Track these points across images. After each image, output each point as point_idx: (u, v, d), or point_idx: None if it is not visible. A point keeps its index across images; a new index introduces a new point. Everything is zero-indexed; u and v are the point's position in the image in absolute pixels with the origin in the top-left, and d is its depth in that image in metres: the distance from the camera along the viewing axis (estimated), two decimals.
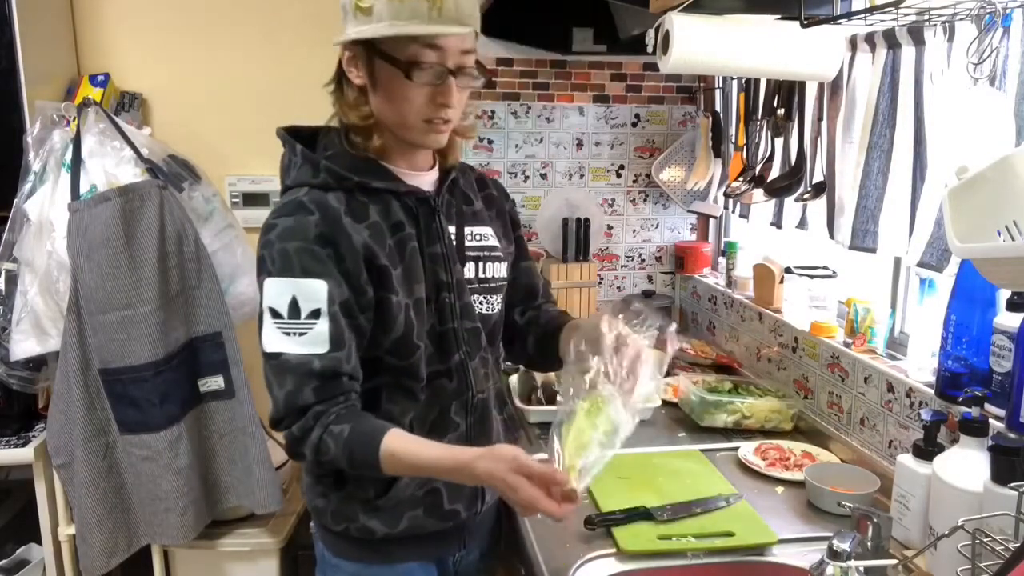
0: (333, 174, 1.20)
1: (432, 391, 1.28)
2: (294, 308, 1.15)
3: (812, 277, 1.95)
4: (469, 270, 1.31)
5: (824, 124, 1.79)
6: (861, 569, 1.10)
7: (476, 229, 1.34)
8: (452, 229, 1.30)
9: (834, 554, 1.07)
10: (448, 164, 1.32)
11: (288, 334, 1.15)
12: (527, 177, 2.65)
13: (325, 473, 1.28)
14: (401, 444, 1.14)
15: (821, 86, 1.79)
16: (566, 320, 1.41)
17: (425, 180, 1.28)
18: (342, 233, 1.17)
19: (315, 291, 1.15)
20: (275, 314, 1.15)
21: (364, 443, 1.14)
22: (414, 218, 1.25)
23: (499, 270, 1.36)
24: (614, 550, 1.37)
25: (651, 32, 1.66)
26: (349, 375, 1.18)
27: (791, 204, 1.98)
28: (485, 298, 1.33)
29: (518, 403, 1.90)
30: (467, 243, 1.32)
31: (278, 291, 1.15)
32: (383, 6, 1.11)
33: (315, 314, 1.14)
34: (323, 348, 1.15)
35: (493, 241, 1.36)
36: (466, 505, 1.32)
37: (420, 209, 1.25)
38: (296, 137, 1.27)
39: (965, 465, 1.22)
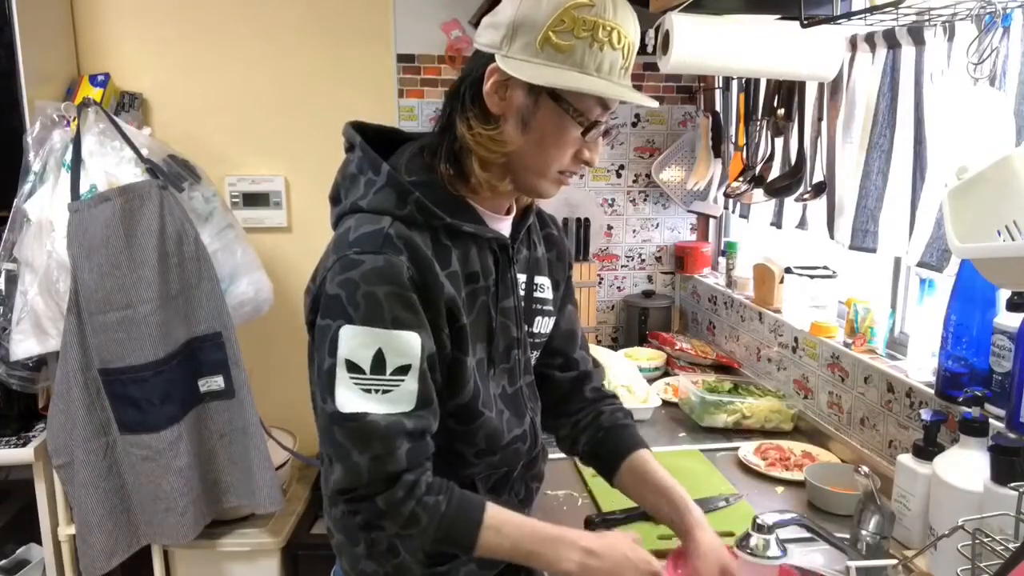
0: (423, 210, 1.03)
1: (506, 455, 1.16)
2: (378, 362, 0.99)
3: (812, 277, 1.95)
4: (531, 325, 1.21)
5: (824, 124, 1.79)
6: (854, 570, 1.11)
7: (539, 279, 1.22)
8: (522, 279, 1.18)
9: (758, 527, 1.11)
10: (524, 205, 1.18)
11: (368, 391, 0.99)
12: None
13: (376, 539, 1.14)
14: (505, 518, 1.06)
15: (821, 86, 1.79)
16: (635, 441, 1.27)
17: (504, 225, 1.14)
18: (434, 280, 1.02)
19: (407, 345, 0.99)
20: (353, 368, 0.99)
21: (464, 517, 1.04)
22: (490, 268, 1.11)
23: (548, 326, 1.26)
24: None
25: (651, 32, 1.66)
26: (432, 436, 1.05)
27: (791, 204, 1.98)
28: (535, 354, 1.24)
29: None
30: (534, 294, 1.21)
31: (361, 342, 0.99)
32: (585, 52, 1.00)
33: (403, 370, 1.00)
34: (408, 407, 1.01)
35: (549, 293, 1.24)
36: None
37: (500, 259, 1.12)
38: (363, 137, 1.10)
39: (965, 465, 1.22)
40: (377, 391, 0.99)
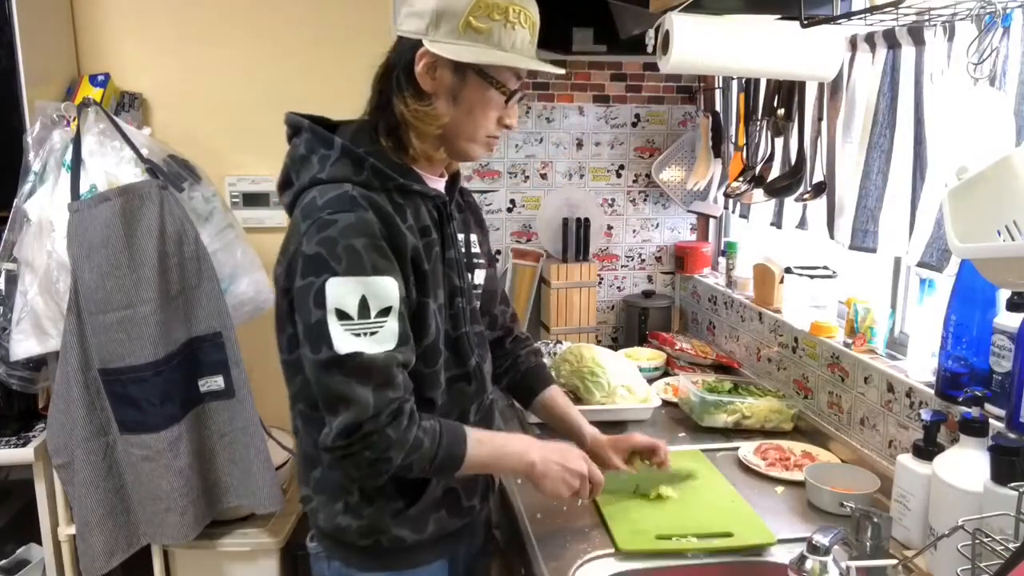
0: (378, 173, 1.17)
1: (451, 396, 1.28)
2: (364, 307, 1.10)
3: (812, 277, 1.95)
4: (471, 276, 1.36)
5: (824, 124, 1.79)
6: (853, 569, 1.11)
7: (472, 236, 1.39)
8: (461, 237, 1.33)
9: (814, 548, 1.07)
10: (452, 171, 1.34)
11: (359, 335, 1.10)
12: (527, 177, 2.65)
13: (349, 491, 1.24)
14: (479, 430, 1.23)
15: (821, 86, 1.79)
16: (544, 379, 1.57)
17: (439, 186, 1.29)
18: (399, 232, 1.15)
19: (386, 289, 1.11)
20: (342, 315, 1.09)
21: (454, 434, 1.18)
22: (436, 223, 1.24)
23: (482, 277, 1.42)
24: (613, 550, 1.37)
25: (651, 32, 1.66)
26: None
27: (791, 204, 1.98)
28: (476, 304, 1.38)
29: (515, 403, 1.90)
30: (472, 249, 1.37)
31: (345, 291, 1.09)
32: (501, 33, 1.15)
33: (385, 312, 1.11)
34: (392, 344, 1.12)
35: (478, 248, 1.41)
36: (480, 500, 1.36)
37: (442, 214, 1.26)
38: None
39: (965, 465, 1.22)
40: (365, 333, 1.10)
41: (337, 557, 1.32)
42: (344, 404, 1.09)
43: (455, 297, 1.28)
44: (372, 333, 1.10)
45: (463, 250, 1.33)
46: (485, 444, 1.23)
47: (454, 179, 1.34)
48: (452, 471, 1.20)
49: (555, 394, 1.57)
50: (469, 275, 1.34)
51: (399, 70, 1.19)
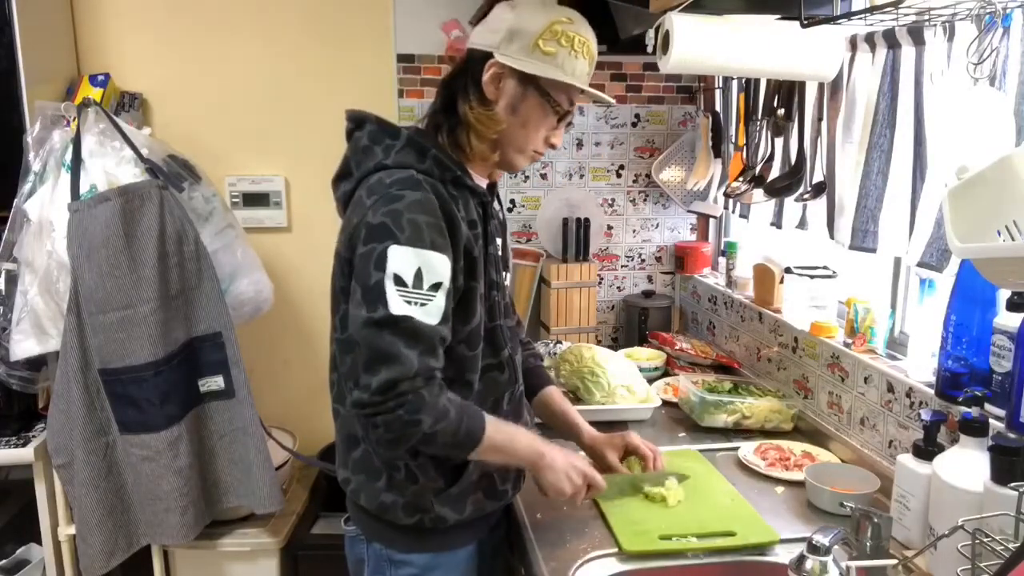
0: (439, 163, 1.26)
1: (485, 384, 1.36)
2: (418, 278, 1.17)
3: (812, 277, 1.95)
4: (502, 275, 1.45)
5: (824, 124, 1.79)
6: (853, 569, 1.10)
7: (498, 240, 1.46)
8: (497, 238, 1.43)
9: (814, 548, 1.07)
10: (493, 179, 1.43)
11: (410, 303, 1.16)
12: (527, 177, 2.65)
13: (396, 467, 1.30)
14: (494, 418, 1.27)
15: (821, 86, 1.79)
16: (543, 379, 1.64)
17: (484, 186, 1.38)
18: (453, 219, 1.23)
19: (440, 265, 1.19)
20: (399, 281, 1.16)
21: (472, 412, 1.24)
22: (481, 218, 1.33)
23: (508, 279, 1.53)
24: (614, 550, 1.37)
25: (651, 32, 1.66)
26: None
27: (791, 204, 1.98)
28: (509, 303, 1.49)
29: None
30: (499, 253, 1.45)
31: (405, 260, 1.17)
32: (565, 58, 1.26)
33: (436, 287, 1.18)
34: (437, 320, 1.19)
35: (502, 253, 1.49)
36: (513, 486, 1.43)
37: (486, 211, 1.36)
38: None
39: (965, 465, 1.22)
40: (416, 303, 1.17)
41: (377, 539, 1.36)
42: (388, 361, 1.15)
43: (492, 290, 1.36)
44: (422, 304, 1.17)
45: (499, 249, 1.42)
46: (500, 430, 1.28)
47: (492, 187, 1.43)
48: (470, 448, 1.24)
49: (553, 394, 1.62)
50: (504, 272, 1.45)
51: (467, 77, 1.29)
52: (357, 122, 1.33)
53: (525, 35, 1.25)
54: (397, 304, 1.16)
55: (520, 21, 1.26)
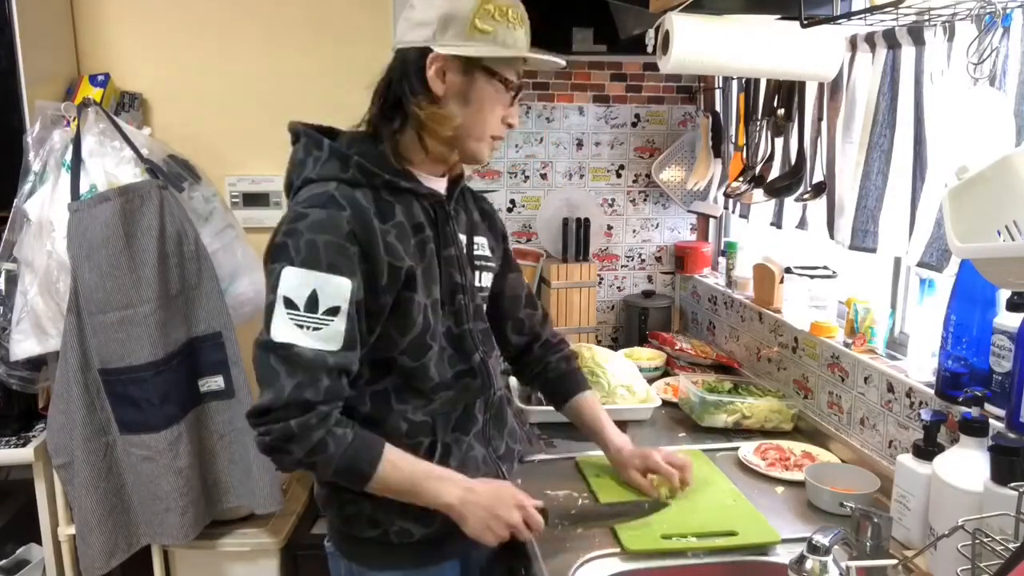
0: (363, 170, 1.22)
1: (457, 390, 1.32)
2: (312, 302, 1.14)
3: (812, 277, 1.95)
4: (476, 277, 1.38)
5: (824, 124, 1.79)
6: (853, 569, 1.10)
7: (477, 238, 1.42)
8: (462, 236, 1.36)
9: (814, 548, 1.07)
10: (455, 174, 1.37)
11: (300, 327, 1.14)
12: (527, 177, 2.65)
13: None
14: (400, 455, 1.22)
15: (821, 86, 1.79)
16: (575, 384, 1.61)
17: (439, 185, 1.33)
18: (372, 233, 1.18)
19: (338, 288, 1.15)
20: (289, 304, 1.14)
21: (366, 449, 1.19)
22: (432, 221, 1.29)
23: (489, 280, 1.45)
24: (614, 550, 1.37)
25: (651, 32, 1.66)
26: (349, 378, 1.20)
27: (791, 204, 1.98)
28: (485, 305, 1.42)
29: (518, 403, 1.90)
30: (475, 251, 1.39)
31: (298, 282, 1.14)
32: (503, 32, 1.21)
33: (333, 311, 1.15)
34: (335, 346, 1.15)
35: (487, 251, 1.44)
36: None
37: (438, 212, 1.30)
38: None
39: (965, 465, 1.22)
40: (309, 327, 1.14)
41: (346, 554, 1.35)
42: (267, 386, 1.15)
43: (456, 294, 1.31)
44: (315, 328, 1.14)
45: (463, 250, 1.35)
46: (401, 470, 1.21)
47: (456, 181, 1.37)
48: (358, 485, 1.20)
49: (584, 401, 1.59)
50: (474, 274, 1.37)
51: (410, 78, 1.23)
52: (295, 135, 1.30)
53: (458, 20, 1.20)
54: (280, 329, 1.14)
55: (450, 6, 1.20)
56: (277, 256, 1.16)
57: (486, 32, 1.20)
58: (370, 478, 1.19)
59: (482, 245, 1.43)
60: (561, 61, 1.30)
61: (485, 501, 1.25)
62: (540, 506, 1.31)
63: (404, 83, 1.24)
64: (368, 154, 1.24)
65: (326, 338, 1.15)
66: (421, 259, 1.25)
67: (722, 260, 2.51)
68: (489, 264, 1.44)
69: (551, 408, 1.88)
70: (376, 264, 1.18)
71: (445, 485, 1.24)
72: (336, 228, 1.16)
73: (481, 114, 1.25)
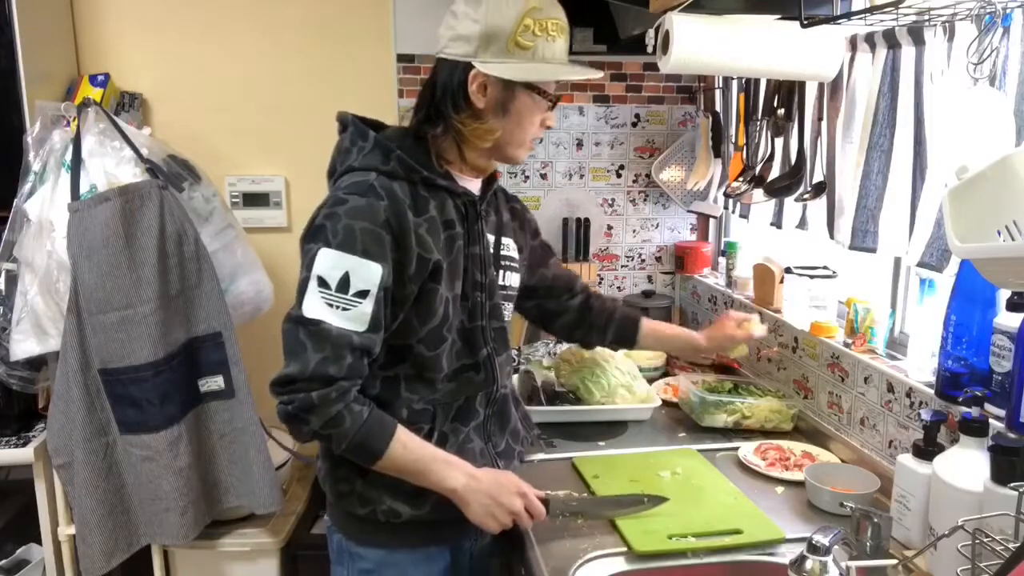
0: (404, 164, 1.27)
1: (460, 383, 1.36)
2: (344, 283, 1.19)
3: (812, 277, 1.95)
4: (499, 276, 1.43)
5: (824, 124, 1.79)
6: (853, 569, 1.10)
7: (505, 239, 1.46)
8: (491, 237, 1.41)
9: (814, 548, 1.07)
10: (490, 175, 1.42)
11: (331, 306, 1.19)
12: (527, 177, 2.65)
13: (348, 460, 1.30)
14: (410, 436, 1.27)
15: (821, 86, 1.79)
16: (633, 317, 1.76)
17: (473, 185, 1.38)
18: (406, 224, 1.23)
19: (370, 273, 1.20)
20: (323, 283, 1.19)
21: (380, 427, 1.24)
22: (463, 218, 1.33)
23: (516, 280, 1.49)
24: (615, 549, 1.37)
25: (651, 32, 1.66)
26: (371, 358, 1.25)
27: (791, 204, 1.98)
28: (506, 304, 1.45)
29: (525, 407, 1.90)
30: (501, 251, 1.44)
31: (332, 263, 1.19)
32: (543, 46, 1.25)
33: (363, 294, 1.20)
34: (361, 327, 1.21)
35: (515, 253, 1.49)
36: None
37: (469, 211, 1.35)
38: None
39: (965, 465, 1.22)
40: (337, 307, 1.20)
41: (338, 528, 1.41)
42: (293, 357, 1.20)
43: (474, 291, 1.35)
44: (344, 308, 1.20)
45: (491, 250, 1.40)
46: (411, 452, 1.26)
47: (489, 181, 1.42)
48: (367, 462, 1.26)
49: (650, 325, 1.76)
50: (497, 273, 1.41)
51: (454, 92, 1.27)
52: (343, 124, 1.34)
53: (500, 35, 1.24)
54: (312, 306, 1.19)
55: (491, 20, 1.23)
56: (315, 236, 1.21)
57: (527, 48, 1.25)
58: (380, 456, 1.23)
59: (508, 246, 1.47)
60: (599, 72, 1.35)
61: (488, 488, 1.29)
62: (542, 496, 1.35)
63: (447, 96, 1.28)
64: (410, 150, 1.28)
65: (353, 319, 1.20)
66: (449, 254, 1.30)
67: (722, 260, 2.51)
68: (514, 265, 1.49)
69: (551, 408, 1.89)
70: (407, 254, 1.23)
71: (451, 470, 1.28)
72: (373, 216, 1.21)
73: (520, 125, 1.31)
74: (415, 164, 1.27)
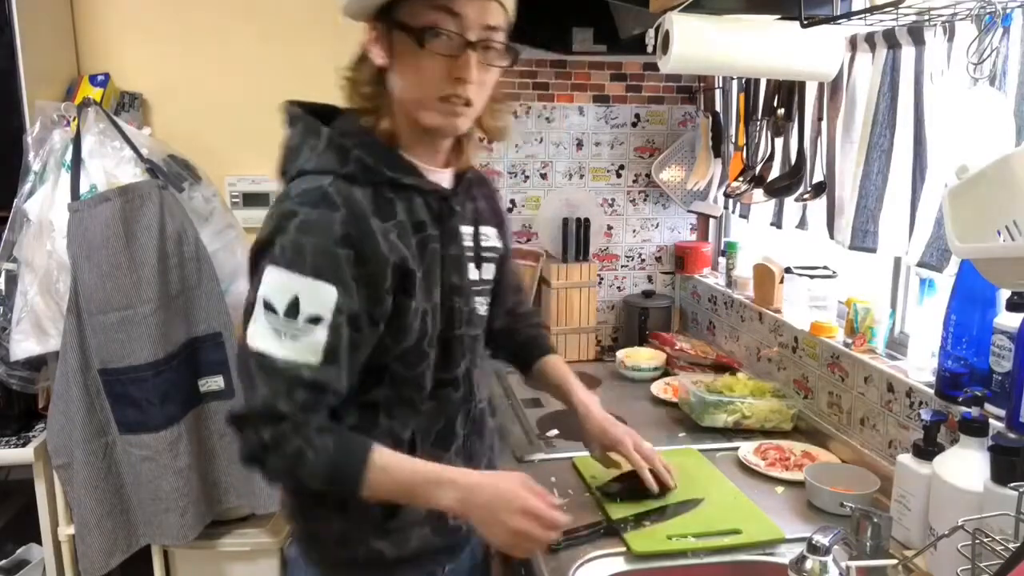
0: (363, 166, 1.10)
1: (437, 401, 1.21)
2: (292, 307, 1.03)
3: (812, 277, 1.95)
4: (479, 271, 1.27)
5: (824, 124, 1.79)
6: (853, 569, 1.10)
7: (484, 228, 1.30)
8: (469, 230, 1.25)
9: (814, 548, 1.07)
10: (462, 165, 1.24)
11: (278, 333, 1.03)
12: (527, 177, 2.64)
13: (322, 498, 1.16)
14: (391, 456, 1.10)
15: (821, 86, 1.79)
16: (541, 348, 1.53)
17: (443, 178, 1.20)
18: (368, 235, 1.07)
19: (321, 296, 1.04)
20: (269, 307, 1.04)
21: (350, 457, 1.07)
22: (435, 218, 1.17)
23: (493, 271, 1.32)
24: (614, 550, 1.37)
25: (651, 32, 1.66)
26: (335, 392, 1.09)
27: (791, 204, 1.98)
28: (484, 300, 1.29)
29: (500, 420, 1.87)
30: (481, 242, 1.28)
31: (280, 285, 1.04)
32: None
33: (314, 320, 1.04)
34: (314, 359, 1.04)
35: (496, 241, 1.33)
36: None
37: (442, 209, 1.18)
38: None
39: (965, 465, 1.22)
40: (285, 335, 1.04)
41: (315, 563, 1.24)
42: (245, 390, 1.07)
43: (452, 296, 1.20)
44: (293, 337, 1.04)
45: (471, 244, 1.25)
46: (393, 476, 1.09)
47: (463, 173, 1.24)
48: (348, 492, 1.09)
49: (549, 362, 1.50)
50: (477, 270, 1.26)
51: (359, 54, 1.15)
52: (291, 118, 1.19)
53: None
54: (256, 336, 1.04)
55: None
56: (262, 254, 1.07)
57: None
58: (359, 487, 1.07)
59: (489, 235, 1.31)
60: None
61: (487, 501, 1.11)
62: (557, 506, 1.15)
63: (363, 68, 1.14)
64: (370, 147, 1.12)
65: (305, 349, 1.04)
66: (422, 260, 1.14)
67: (722, 260, 2.51)
68: (493, 255, 1.32)
69: (551, 409, 1.87)
70: (377, 264, 1.08)
71: (442, 490, 1.10)
72: (326, 231, 1.04)
73: (406, 76, 1.09)
74: (377, 165, 1.11)
